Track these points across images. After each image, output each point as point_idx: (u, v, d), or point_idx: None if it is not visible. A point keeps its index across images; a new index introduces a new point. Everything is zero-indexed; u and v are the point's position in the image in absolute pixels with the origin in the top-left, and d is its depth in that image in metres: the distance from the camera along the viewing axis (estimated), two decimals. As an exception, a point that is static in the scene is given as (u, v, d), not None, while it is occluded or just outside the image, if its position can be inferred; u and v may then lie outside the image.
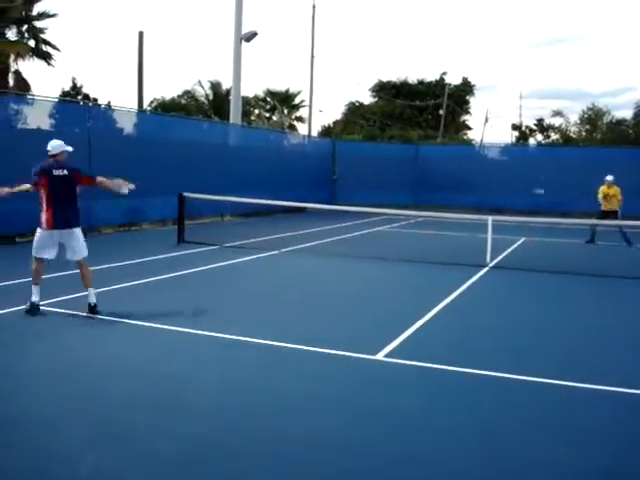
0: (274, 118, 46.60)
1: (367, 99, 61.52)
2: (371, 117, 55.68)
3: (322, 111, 63.89)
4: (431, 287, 10.82)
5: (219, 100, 40.14)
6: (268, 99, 47.16)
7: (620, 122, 50.02)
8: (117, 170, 16.89)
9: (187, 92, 44.94)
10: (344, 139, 39.07)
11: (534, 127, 61.40)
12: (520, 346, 7.36)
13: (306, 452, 4.45)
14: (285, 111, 46.06)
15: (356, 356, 6.61)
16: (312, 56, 35.54)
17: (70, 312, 8.06)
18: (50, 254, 8.06)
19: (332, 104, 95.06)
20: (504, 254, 14.78)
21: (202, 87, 42.80)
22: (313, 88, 36.36)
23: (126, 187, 8.75)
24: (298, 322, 8.17)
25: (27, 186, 8.00)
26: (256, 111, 47.80)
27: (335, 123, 58.63)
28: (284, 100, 45.71)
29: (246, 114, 40.51)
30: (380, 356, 6.63)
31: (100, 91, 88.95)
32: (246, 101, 40.30)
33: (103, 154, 16.75)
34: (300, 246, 15.23)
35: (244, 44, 24.81)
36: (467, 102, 63.80)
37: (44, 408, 5.10)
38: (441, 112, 55.79)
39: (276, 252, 14.01)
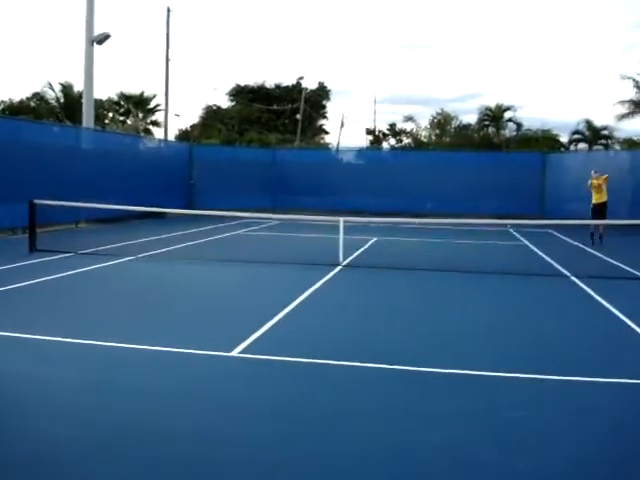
0: (129, 122, 45.69)
1: (225, 103, 61.60)
2: (229, 121, 55.81)
3: (179, 115, 63.33)
4: (285, 287, 11.21)
5: (71, 103, 38.86)
6: (122, 102, 46.20)
7: (466, 126, 52.93)
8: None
9: (37, 94, 43.24)
10: (202, 143, 38.99)
11: (387, 132, 63.74)
12: (367, 336, 7.90)
13: (168, 447, 4.66)
14: (140, 115, 45.30)
15: (212, 354, 6.86)
16: (167, 59, 35.28)
17: None
18: None
19: (189, 108, 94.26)
20: (356, 253, 15.48)
21: (52, 89, 41.28)
22: (169, 92, 36.10)
23: None
24: (153, 324, 8.29)
25: None
26: (110, 114, 46.70)
27: (193, 127, 58.22)
28: (139, 104, 44.92)
29: (100, 117, 39.45)
30: (235, 353, 6.92)
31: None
32: (99, 104, 39.26)
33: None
34: (157, 251, 15.22)
35: (96, 46, 24.30)
36: (324, 107, 65.30)
37: None
38: (298, 116, 56.74)
39: (132, 258, 13.94)
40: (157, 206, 19.24)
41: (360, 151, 36.76)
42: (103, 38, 24.11)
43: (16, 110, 39.56)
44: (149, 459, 4.43)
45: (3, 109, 40.61)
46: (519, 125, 47.16)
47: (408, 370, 6.49)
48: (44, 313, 8.74)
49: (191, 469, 4.29)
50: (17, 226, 18.30)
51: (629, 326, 8.62)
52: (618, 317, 9.14)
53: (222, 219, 22.69)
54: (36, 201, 14.81)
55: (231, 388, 5.98)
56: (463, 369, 6.53)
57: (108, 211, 19.81)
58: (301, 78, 62.35)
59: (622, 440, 5.01)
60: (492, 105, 47.53)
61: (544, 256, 15.87)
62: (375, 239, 19.09)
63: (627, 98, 38.94)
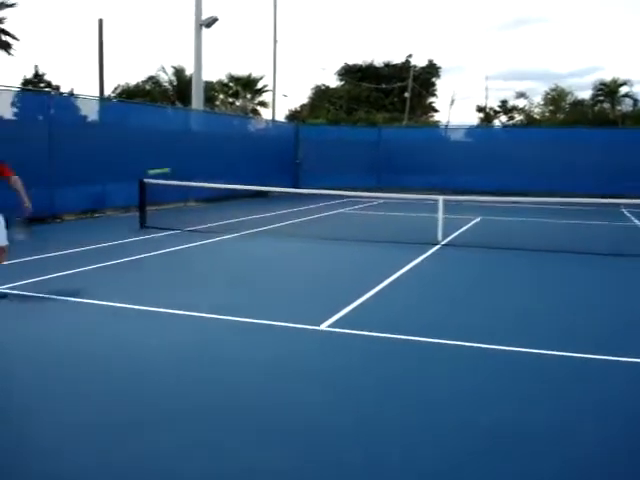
0: (237, 103, 46.69)
1: (333, 82, 61.85)
2: (337, 101, 56.05)
3: (286, 96, 63.75)
4: (382, 264, 11.23)
5: (183, 85, 40.14)
6: (231, 84, 47.22)
7: (580, 102, 50.93)
8: (80, 157, 17.32)
9: (151, 78, 44.91)
10: (307, 123, 39.40)
11: (498, 109, 62.27)
12: (458, 314, 7.86)
13: (257, 412, 4.87)
14: (248, 96, 46.18)
15: (301, 327, 7.04)
16: (275, 40, 35.75)
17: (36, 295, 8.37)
18: None
19: (298, 88, 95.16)
20: (457, 233, 15.30)
21: (165, 73, 42.82)
22: (276, 72, 36.62)
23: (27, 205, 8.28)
24: (247, 298, 8.53)
25: None
26: (221, 96, 47.86)
27: (302, 107, 58.88)
28: (247, 85, 45.82)
29: (210, 99, 40.50)
30: (323, 327, 7.07)
31: (63, 78, 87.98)
32: (210, 86, 40.30)
33: (65, 142, 16.96)
34: (261, 229, 15.60)
35: (205, 30, 24.97)
36: (433, 84, 64.44)
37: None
38: (407, 95, 56.26)
39: (235, 235, 14.36)
40: (264, 185, 19.67)
41: (469, 129, 36.03)
42: (211, 21, 24.75)
43: (132, 93, 41.30)
44: (239, 424, 4.65)
45: (120, 93, 42.48)
46: (636, 100, 45.00)
47: (495, 349, 6.43)
48: (149, 286, 9.21)
49: (272, 435, 4.46)
50: (131, 204, 19.14)
51: None
52: None
53: (326, 198, 22.97)
54: (146, 180, 15.49)
55: (316, 361, 6.13)
56: (548, 349, 6.38)
57: (215, 191, 20.42)
58: (410, 56, 61.86)
59: None
60: (609, 79, 45.51)
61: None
62: (479, 218, 18.79)
63: None
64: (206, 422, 4.66)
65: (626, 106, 45.41)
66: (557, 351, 6.33)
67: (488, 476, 3.97)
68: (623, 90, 44.92)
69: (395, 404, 5.08)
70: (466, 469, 4.04)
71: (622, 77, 45.11)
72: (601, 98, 46.11)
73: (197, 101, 25.17)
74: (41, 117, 17.03)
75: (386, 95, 59.30)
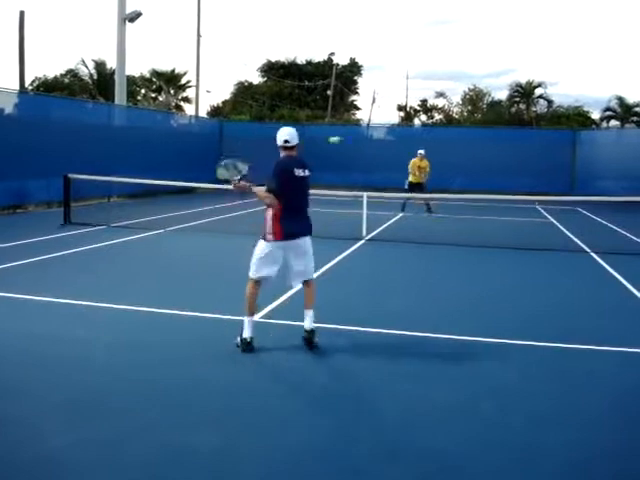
0: (160, 99, 46.09)
1: (256, 79, 61.72)
2: (260, 97, 56.01)
3: (210, 91, 63.51)
4: (309, 259, 11.52)
5: (104, 80, 39.33)
6: (154, 79, 46.56)
7: (497, 103, 52.47)
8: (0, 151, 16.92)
9: (70, 71, 43.75)
10: (232, 120, 39.32)
11: (418, 108, 63.51)
12: (381, 304, 8.25)
13: (195, 398, 5.08)
14: (171, 91, 45.66)
15: (234, 318, 7.24)
16: (198, 36, 35.57)
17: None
18: (272, 272, 6.85)
19: (221, 84, 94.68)
20: (380, 228, 15.79)
21: (86, 66, 41.71)
22: (200, 68, 36.41)
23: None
24: (177, 291, 8.73)
25: (270, 198, 6.63)
26: (142, 91, 47.15)
27: (224, 103, 58.56)
28: (170, 80, 45.24)
29: (132, 94, 39.87)
30: (256, 318, 7.27)
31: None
32: (132, 81, 39.67)
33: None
34: (185, 225, 15.65)
35: (128, 24, 24.66)
36: (355, 82, 65.08)
37: None
38: (329, 92, 56.74)
39: (161, 231, 14.38)
40: (190, 181, 19.64)
41: (390, 128, 36.73)
42: (135, 16, 24.46)
43: (50, 87, 40.18)
44: (175, 406, 4.85)
45: (38, 85, 41.31)
46: (550, 102, 46.73)
47: (419, 336, 6.84)
48: (77, 280, 9.22)
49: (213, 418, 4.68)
50: (52, 200, 18.85)
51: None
52: (632, 292, 9.36)
53: (251, 194, 23.03)
54: (70, 175, 15.31)
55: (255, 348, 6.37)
56: (463, 335, 6.87)
57: (139, 186, 20.27)
58: (332, 54, 62.23)
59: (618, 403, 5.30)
60: (524, 81, 47.04)
61: (567, 233, 16.03)
62: (400, 215, 19.33)
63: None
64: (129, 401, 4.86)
65: (541, 107, 47.07)
66: (471, 337, 6.79)
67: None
68: (538, 92, 46.53)
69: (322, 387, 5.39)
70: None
71: (536, 79, 46.59)
72: (517, 99, 47.59)
73: (120, 96, 24.83)
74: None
75: (309, 92, 59.59)
